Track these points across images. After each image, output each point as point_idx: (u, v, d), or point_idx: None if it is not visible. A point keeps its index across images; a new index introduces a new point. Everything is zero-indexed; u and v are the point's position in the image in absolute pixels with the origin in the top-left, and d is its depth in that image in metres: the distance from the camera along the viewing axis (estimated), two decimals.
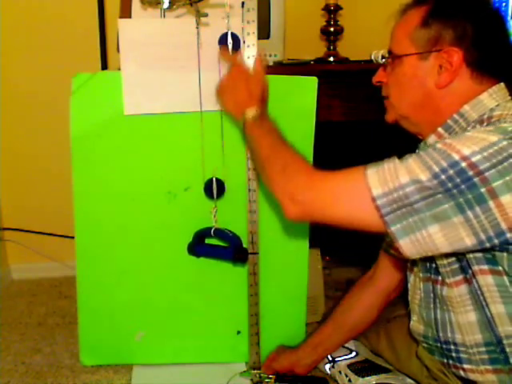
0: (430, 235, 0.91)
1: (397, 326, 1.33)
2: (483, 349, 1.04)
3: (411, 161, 0.93)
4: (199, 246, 1.39)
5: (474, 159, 0.88)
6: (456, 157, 0.89)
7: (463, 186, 0.89)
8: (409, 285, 1.20)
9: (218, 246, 1.40)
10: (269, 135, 1.14)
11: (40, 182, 2.02)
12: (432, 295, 1.10)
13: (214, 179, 1.35)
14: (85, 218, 1.37)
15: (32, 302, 1.87)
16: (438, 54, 1.03)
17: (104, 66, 1.73)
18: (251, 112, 1.17)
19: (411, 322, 1.19)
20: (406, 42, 1.06)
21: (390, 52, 1.10)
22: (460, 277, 1.03)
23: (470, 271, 1.01)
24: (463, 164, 0.89)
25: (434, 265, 1.08)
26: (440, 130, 1.06)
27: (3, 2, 1.86)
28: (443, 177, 0.89)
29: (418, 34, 1.05)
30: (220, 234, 1.37)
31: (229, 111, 1.26)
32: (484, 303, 1.01)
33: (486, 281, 1.00)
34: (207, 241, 1.40)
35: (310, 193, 1.00)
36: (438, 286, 1.08)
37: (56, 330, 1.66)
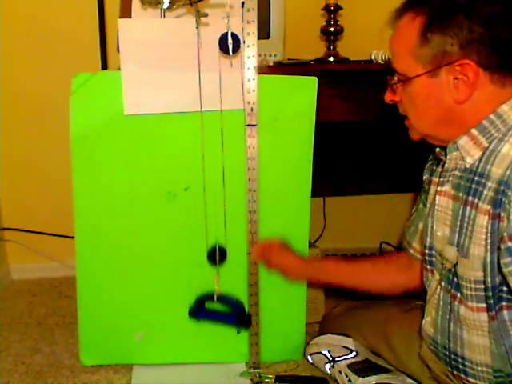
0: None
1: (395, 328, 1.33)
2: (490, 371, 1.02)
3: None
4: (201, 310, 1.40)
5: None
6: None
7: None
8: (427, 286, 1.16)
9: (220, 312, 1.40)
10: None
11: (40, 182, 2.02)
12: (449, 307, 1.07)
13: (217, 247, 1.36)
14: (85, 218, 1.37)
15: (32, 302, 1.87)
16: (449, 67, 0.94)
17: (104, 66, 1.73)
18: None
19: (423, 321, 1.16)
20: (410, 60, 0.98)
21: (395, 70, 1.01)
22: (483, 305, 1.00)
23: (495, 306, 0.98)
24: None
25: (455, 279, 1.04)
26: (474, 131, 0.97)
27: (3, 2, 1.86)
28: None
29: (420, 52, 0.96)
30: (223, 299, 1.38)
31: None
32: (506, 336, 0.99)
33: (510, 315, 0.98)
34: (208, 305, 1.40)
35: None
36: (456, 303, 1.05)
37: (56, 330, 1.66)
